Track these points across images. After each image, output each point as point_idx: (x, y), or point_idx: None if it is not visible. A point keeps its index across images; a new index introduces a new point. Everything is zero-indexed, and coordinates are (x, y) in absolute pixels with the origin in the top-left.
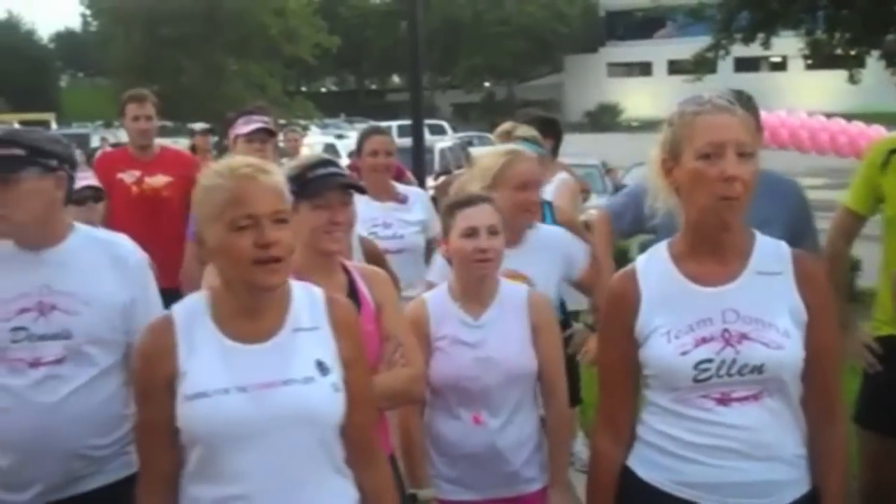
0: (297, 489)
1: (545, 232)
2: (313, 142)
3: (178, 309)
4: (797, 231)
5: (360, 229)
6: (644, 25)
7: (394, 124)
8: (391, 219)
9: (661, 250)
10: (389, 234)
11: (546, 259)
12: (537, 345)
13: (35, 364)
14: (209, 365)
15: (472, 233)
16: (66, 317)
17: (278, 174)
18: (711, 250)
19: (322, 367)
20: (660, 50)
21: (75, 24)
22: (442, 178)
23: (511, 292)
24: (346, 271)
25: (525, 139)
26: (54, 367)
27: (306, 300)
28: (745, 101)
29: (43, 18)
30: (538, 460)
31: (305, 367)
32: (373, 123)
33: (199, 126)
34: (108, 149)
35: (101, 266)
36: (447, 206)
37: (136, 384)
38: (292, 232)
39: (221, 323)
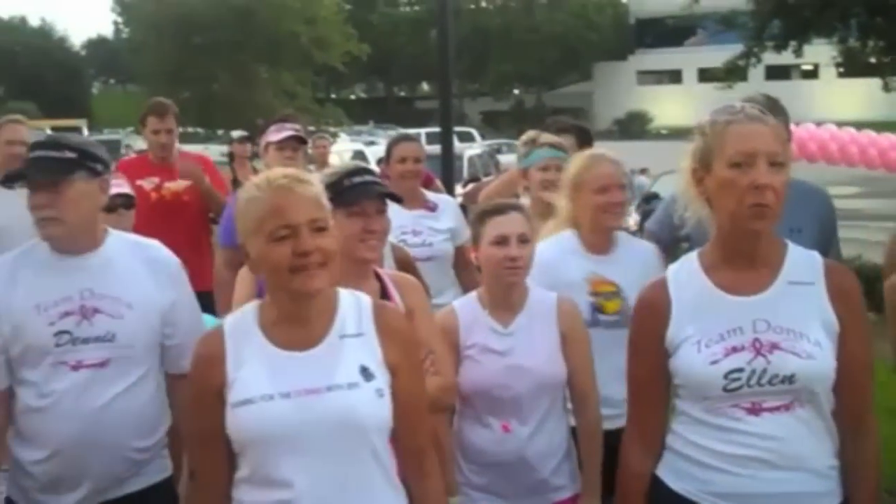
0: (344, 496)
1: (637, 244)
2: (342, 148)
3: (229, 320)
4: (825, 240)
5: (390, 237)
6: (674, 33)
7: (422, 131)
8: (420, 226)
9: (691, 260)
10: (419, 242)
11: (636, 270)
12: (567, 352)
13: (77, 367)
14: (255, 373)
15: (502, 241)
16: (109, 320)
17: (316, 184)
18: (742, 259)
19: (366, 373)
20: (690, 58)
21: (107, 31)
22: (471, 186)
23: (540, 300)
24: (379, 278)
25: (550, 146)
26: (98, 370)
27: (353, 307)
28: (774, 106)
29: (76, 25)
30: (567, 468)
31: (350, 373)
32: (402, 131)
33: (236, 134)
34: (133, 155)
35: (139, 270)
36: (477, 214)
37: (191, 393)
38: (333, 239)
39: (268, 331)
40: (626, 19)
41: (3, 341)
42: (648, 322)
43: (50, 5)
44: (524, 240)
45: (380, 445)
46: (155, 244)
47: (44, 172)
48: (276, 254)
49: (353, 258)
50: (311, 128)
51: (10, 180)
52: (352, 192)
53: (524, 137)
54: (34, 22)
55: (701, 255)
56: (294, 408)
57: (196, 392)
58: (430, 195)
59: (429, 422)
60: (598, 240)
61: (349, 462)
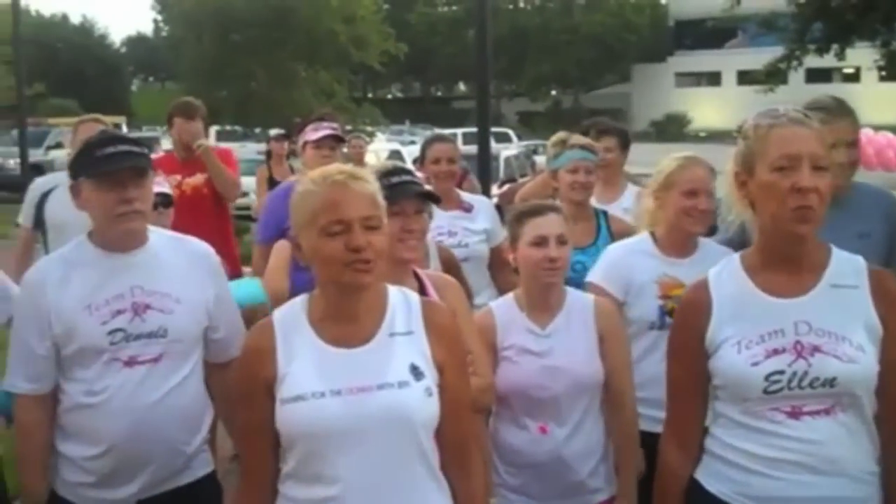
0: (391, 493)
1: (718, 250)
2: (379, 148)
3: (278, 313)
4: (894, 245)
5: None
6: (714, 35)
7: (459, 131)
8: (456, 227)
9: (733, 262)
10: (454, 243)
11: None
12: (604, 353)
13: (131, 363)
14: (306, 369)
15: (541, 242)
16: (161, 315)
17: (372, 181)
18: (785, 262)
19: (416, 372)
20: (729, 60)
21: (147, 28)
22: (506, 186)
23: (578, 301)
24: (418, 278)
25: (581, 147)
26: (152, 365)
27: (402, 304)
28: (841, 106)
29: (116, 23)
30: (604, 471)
31: (400, 371)
32: (437, 131)
33: (274, 132)
34: (161, 153)
35: (183, 265)
36: (515, 215)
37: (239, 387)
38: (385, 238)
39: (318, 327)
40: (664, 21)
41: (56, 342)
42: (689, 322)
43: (91, 3)
44: (563, 241)
45: (426, 442)
46: (193, 239)
47: (133, 166)
48: (328, 248)
49: (392, 258)
50: (348, 127)
51: (91, 175)
52: (392, 191)
53: (554, 139)
54: (75, 19)
55: (743, 257)
56: (345, 405)
57: (246, 385)
58: (466, 196)
59: (473, 419)
60: (676, 243)
61: (396, 459)
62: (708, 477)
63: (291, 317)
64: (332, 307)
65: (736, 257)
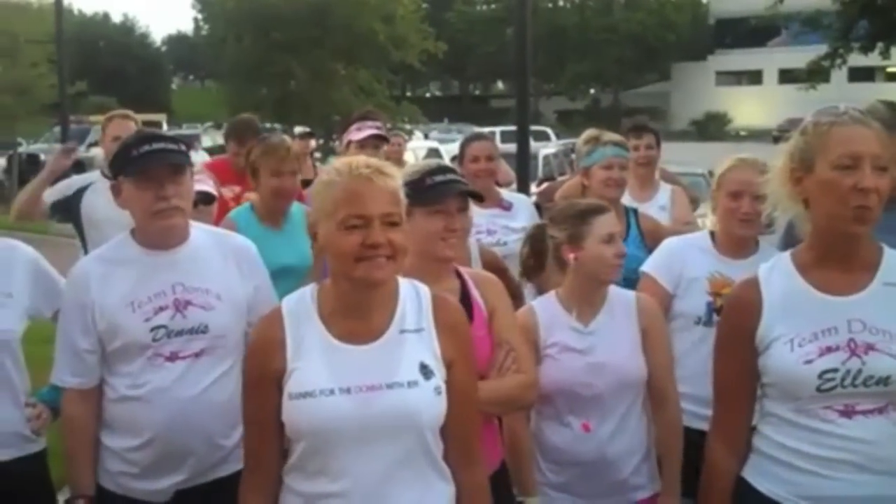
0: (394, 489)
1: (775, 252)
2: (417, 146)
3: (286, 304)
4: None
5: None
6: (755, 33)
7: (497, 130)
8: (495, 226)
9: (784, 260)
10: (493, 242)
11: None
12: (646, 349)
13: (173, 358)
14: (315, 364)
15: (611, 239)
16: (202, 312)
17: (396, 177)
18: (838, 260)
19: (426, 371)
20: (770, 58)
21: (187, 27)
22: (545, 185)
23: (620, 297)
24: (459, 276)
25: (614, 143)
26: (193, 360)
27: (413, 299)
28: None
29: (156, 22)
30: (647, 468)
31: (410, 370)
32: (476, 130)
33: (298, 130)
34: (220, 158)
35: (223, 260)
36: (577, 213)
37: (247, 378)
38: (405, 234)
39: (328, 320)
40: (705, 19)
41: (100, 338)
42: (739, 320)
43: (132, 2)
44: (621, 238)
45: (432, 439)
46: (231, 233)
47: (172, 163)
48: (345, 241)
49: (433, 257)
50: (388, 125)
51: (129, 174)
52: (434, 190)
53: (585, 136)
54: (116, 18)
55: (794, 255)
56: (354, 404)
57: (253, 377)
58: (506, 194)
59: (478, 416)
60: (730, 243)
61: (401, 456)
62: (757, 476)
63: (301, 309)
64: (343, 301)
65: (786, 255)
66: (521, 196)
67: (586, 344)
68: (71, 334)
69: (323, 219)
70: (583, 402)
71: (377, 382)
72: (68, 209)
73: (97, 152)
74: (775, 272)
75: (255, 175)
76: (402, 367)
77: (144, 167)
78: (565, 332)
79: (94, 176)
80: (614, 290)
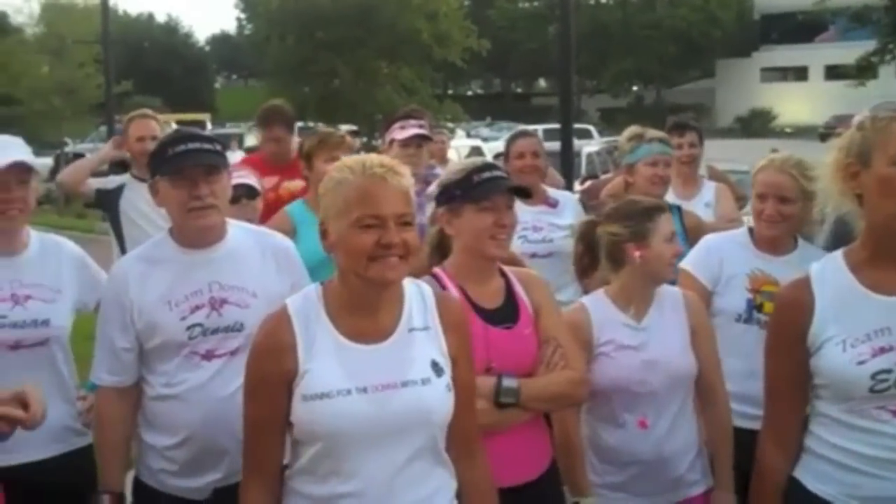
0: (405, 485)
1: (816, 252)
2: (460, 144)
3: (292, 304)
4: None
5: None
6: (801, 29)
7: (540, 128)
8: (541, 223)
9: (836, 259)
10: (539, 238)
11: None
12: (695, 347)
13: (209, 356)
14: (329, 365)
15: (672, 238)
16: (238, 310)
17: (408, 177)
18: (893, 259)
19: (437, 368)
20: (816, 54)
21: (231, 27)
22: (588, 183)
23: (668, 294)
24: (503, 275)
25: (659, 140)
26: (228, 358)
27: (417, 298)
28: None
29: (200, 22)
30: (700, 463)
31: (422, 368)
32: (521, 127)
33: (344, 128)
34: (255, 153)
35: (259, 258)
36: (641, 210)
37: (251, 380)
38: (416, 233)
39: (336, 320)
40: (750, 15)
41: (138, 337)
42: (790, 320)
43: (176, 2)
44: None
45: (440, 435)
46: (269, 231)
47: (206, 163)
48: (359, 241)
49: (482, 254)
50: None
51: (164, 173)
52: (483, 187)
53: (628, 133)
54: (161, 18)
55: (847, 254)
56: (371, 403)
57: (257, 378)
58: (552, 191)
59: (476, 411)
60: (767, 240)
61: (413, 453)
62: (808, 475)
63: (308, 308)
64: (353, 299)
65: (839, 254)
66: (567, 193)
67: (640, 340)
68: (109, 333)
69: (334, 217)
70: (638, 399)
71: (392, 381)
72: (108, 202)
73: None
74: (827, 271)
75: (309, 163)
76: (415, 366)
77: (179, 166)
78: (618, 330)
79: (125, 177)
80: (662, 287)
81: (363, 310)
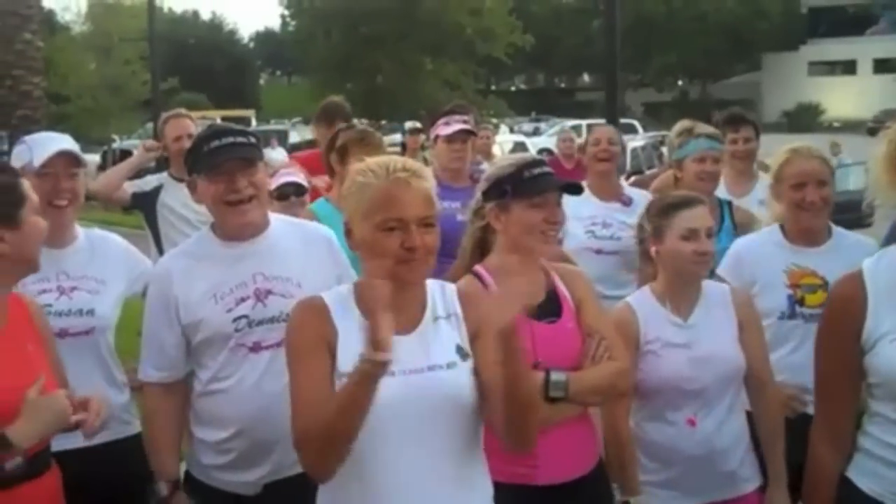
0: (440, 479)
1: (853, 238)
2: (503, 140)
3: (327, 297)
4: None
5: (578, 226)
6: (849, 23)
7: (583, 123)
8: (612, 219)
9: (891, 254)
10: (607, 235)
11: (846, 265)
12: (743, 341)
13: (256, 348)
14: (358, 348)
15: (691, 235)
16: (282, 300)
17: (431, 179)
18: None
19: (462, 352)
20: (865, 48)
21: (274, 24)
22: (633, 178)
23: (715, 290)
24: (544, 270)
25: (707, 136)
26: (276, 350)
27: (438, 289)
28: None
29: (244, 19)
30: (751, 459)
31: (447, 353)
32: (571, 123)
33: (409, 125)
34: (310, 150)
35: (302, 249)
36: (661, 207)
37: (300, 343)
38: (438, 235)
39: (367, 313)
40: (797, 8)
41: (184, 332)
42: (841, 317)
43: (221, 0)
44: (710, 234)
45: (472, 425)
46: (312, 222)
47: (241, 157)
48: (383, 243)
49: (528, 250)
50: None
51: (201, 169)
52: (534, 182)
53: (678, 128)
54: (205, 16)
55: None
56: (399, 385)
57: (310, 342)
58: (628, 189)
59: None
60: (801, 233)
61: (445, 443)
62: (860, 475)
63: (341, 301)
64: None
65: (893, 248)
66: (645, 193)
67: (687, 338)
68: (156, 329)
69: (359, 219)
70: (687, 396)
71: (419, 366)
72: (145, 203)
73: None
74: (881, 266)
75: (344, 157)
76: (441, 351)
77: (215, 161)
78: (665, 327)
79: (163, 177)
80: (708, 284)
81: (391, 306)
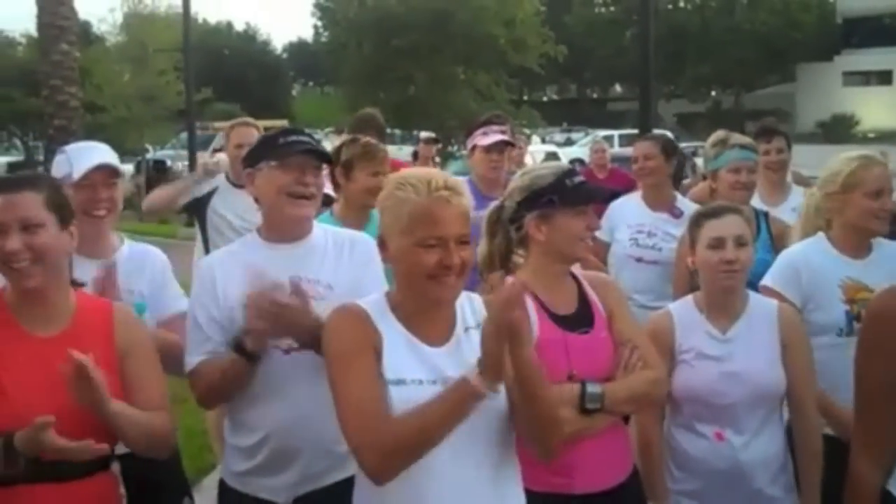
0: (478, 471)
1: (889, 248)
2: (535, 150)
3: (364, 304)
4: None
5: (625, 233)
6: (884, 33)
7: (615, 133)
8: (657, 229)
9: None
10: (649, 244)
11: (891, 276)
12: (787, 361)
13: (289, 350)
14: (403, 355)
15: (718, 244)
16: (315, 303)
17: (468, 197)
18: None
19: None
20: None
21: (307, 35)
22: None
23: (761, 306)
24: (575, 278)
25: (742, 146)
26: (307, 353)
27: (465, 300)
28: None
29: (277, 30)
30: (784, 480)
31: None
32: (601, 133)
33: (424, 134)
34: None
35: (337, 252)
36: (693, 218)
37: (346, 347)
38: (472, 251)
39: (404, 323)
40: (832, 18)
41: (222, 329)
42: (880, 329)
43: (254, 11)
44: (741, 242)
45: (507, 433)
46: (345, 229)
47: (315, 155)
48: (420, 259)
49: (571, 258)
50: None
51: (273, 158)
52: (579, 191)
53: (713, 138)
54: (239, 27)
55: None
56: None
57: (357, 345)
58: (682, 202)
59: None
60: (856, 244)
61: (482, 444)
62: None
63: (378, 309)
64: (416, 308)
65: None
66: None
67: (723, 352)
68: (199, 323)
69: (396, 233)
70: (716, 410)
71: (454, 377)
72: (197, 209)
73: (221, 157)
74: None
75: (349, 170)
76: (473, 361)
77: (290, 151)
78: (702, 338)
79: (219, 180)
80: (756, 298)
81: (424, 317)
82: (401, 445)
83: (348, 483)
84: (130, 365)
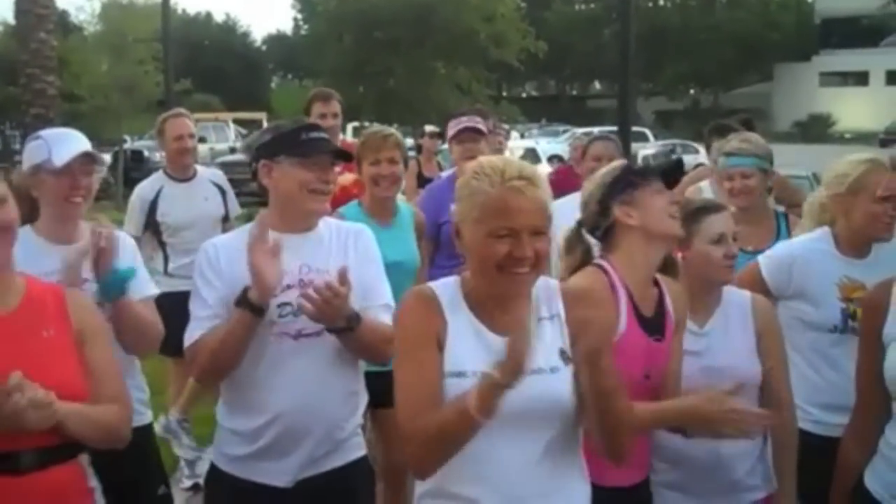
0: (538, 482)
1: (888, 249)
2: (514, 145)
3: (437, 287)
4: None
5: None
6: (862, 34)
7: (595, 130)
8: None
9: None
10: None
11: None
12: (762, 352)
13: (297, 336)
14: (468, 345)
15: (721, 239)
16: None
17: (546, 187)
18: None
19: (564, 356)
20: (877, 59)
21: (287, 27)
22: None
23: (735, 298)
24: (657, 284)
25: (727, 154)
26: (315, 339)
27: (544, 287)
28: None
29: (257, 21)
30: (761, 469)
31: (551, 357)
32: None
33: (429, 128)
34: None
35: (340, 244)
36: (689, 212)
37: (411, 333)
38: (546, 242)
39: (475, 310)
40: (810, 19)
41: (229, 310)
42: (868, 321)
43: (234, 2)
44: (736, 238)
45: (572, 431)
46: (346, 222)
47: (335, 155)
48: (492, 250)
49: (661, 236)
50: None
51: (296, 153)
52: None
53: (716, 145)
54: (219, 18)
55: None
56: None
57: (420, 332)
58: None
59: None
60: (859, 245)
61: (545, 446)
62: (871, 475)
63: (450, 294)
64: (485, 296)
65: None
66: None
67: (701, 346)
68: (207, 302)
69: (470, 222)
70: None
71: None
72: (151, 221)
73: (199, 149)
74: None
75: (360, 165)
76: (544, 354)
77: (314, 150)
78: None
79: (159, 180)
80: (729, 291)
81: (497, 303)
82: (431, 441)
83: (346, 469)
84: (88, 352)
